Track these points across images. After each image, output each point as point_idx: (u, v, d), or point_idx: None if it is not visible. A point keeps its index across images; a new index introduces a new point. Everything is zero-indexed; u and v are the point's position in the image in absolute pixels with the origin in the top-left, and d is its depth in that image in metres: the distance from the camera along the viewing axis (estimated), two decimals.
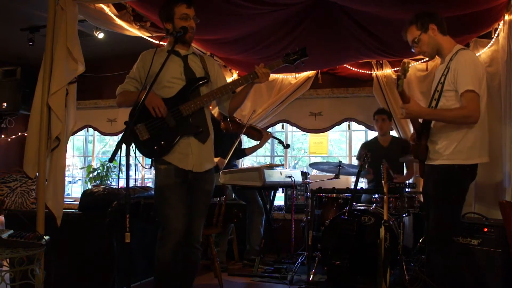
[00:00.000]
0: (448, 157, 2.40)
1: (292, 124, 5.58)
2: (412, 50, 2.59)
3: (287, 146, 4.86)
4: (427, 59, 4.84)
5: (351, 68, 5.22)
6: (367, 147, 4.45)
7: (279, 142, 4.73)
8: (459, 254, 2.49)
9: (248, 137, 4.49)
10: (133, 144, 2.32)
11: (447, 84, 2.42)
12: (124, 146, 2.07)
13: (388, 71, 5.03)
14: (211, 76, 2.58)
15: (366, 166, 3.66)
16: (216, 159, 4.24)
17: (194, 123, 2.46)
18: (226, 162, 4.17)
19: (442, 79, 2.46)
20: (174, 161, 2.42)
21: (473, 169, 2.42)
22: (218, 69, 2.68)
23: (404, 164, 4.56)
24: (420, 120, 2.61)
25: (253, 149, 4.79)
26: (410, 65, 2.40)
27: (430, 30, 2.48)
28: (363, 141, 5.63)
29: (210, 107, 2.89)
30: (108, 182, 6.14)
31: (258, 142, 4.64)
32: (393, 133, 4.90)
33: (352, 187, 3.90)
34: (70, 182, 7.14)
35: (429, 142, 2.53)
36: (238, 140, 4.33)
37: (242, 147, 4.83)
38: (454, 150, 2.38)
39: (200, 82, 2.51)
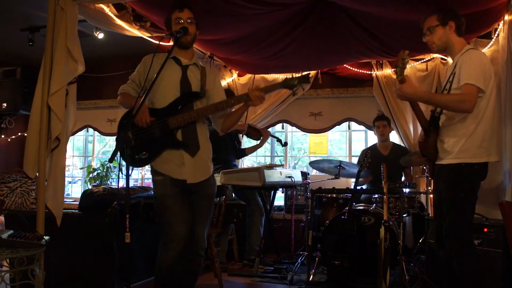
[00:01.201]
0: (455, 155, 2.38)
1: (292, 124, 5.58)
2: (423, 38, 2.56)
3: (285, 144, 4.85)
4: (427, 59, 4.85)
5: (351, 68, 5.22)
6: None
7: (277, 141, 4.74)
8: (478, 256, 2.41)
9: (247, 137, 4.50)
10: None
11: (454, 82, 2.41)
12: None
13: (388, 71, 5.03)
14: (209, 91, 2.53)
15: (366, 166, 3.66)
16: (240, 123, 4.23)
17: (183, 138, 2.42)
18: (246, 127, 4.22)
19: (451, 78, 2.46)
20: (168, 172, 2.41)
21: (482, 167, 2.39)
22: (219, 85, 2.62)
23: (403, 171, 4.57)
24: (427, 115, 2.59)
25: (254, 149, 4.79)
26: (408, 53, 2.36)
27: (448, 26, 2.47)
28: (363, 141, 5.64)
29: None
30: (108, 182, 6.14)
31: (258, 142, 4.64)
32: (394, 134, 4.90)
33: (352, 187, 3.90)
34: (70, 182, 7.14)
35: (438, 141, 2.50)
36: (236, 140, 4.34)
37: (242, 147, 4.83)
38: (461, 148, 2.36)
39: (193, 97, 2.47)
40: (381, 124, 4.53)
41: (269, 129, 5.67)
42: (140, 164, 2.46)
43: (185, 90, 2.46)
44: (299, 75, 2.43)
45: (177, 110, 2.41)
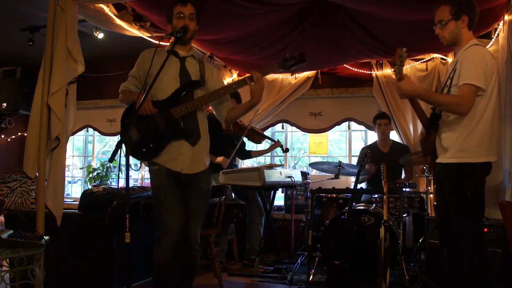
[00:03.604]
0: (453, 154, 2.34)
1: (292, 124, 5.58)
2: (434, 27, 2.49)
3: (286, 150, 4.84)
4: (427, 58, 4.85)
5: (351, 68, 5.22)
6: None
7: (279, 146, 4.72)
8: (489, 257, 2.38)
9: (248, 139, 4.49)
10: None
11: (455, 79, 2.36)
12: (123, 146, 2.09)
13: (388, 71, 5.03)
14: (208, 81, 2.55)
15: (366, 165, 3.66)
16: (220, 159, 4.24)
17: (185, 127, 2.44)
18: (229, 162, 4.17)
19: (452, 74, 2.42)
20: (163, 163, 2.43)
21: (484, 164, 2.35)
22: (217, 75, 2.64)
23: (403, 169, 4.57)
24: (428, 113, 2.57)
25: (260, 153, 4.80)
26: (405, 50, 2.31)
27: (460, 21, 2.39)
28: (362, 141, 5.64)
29: (210, 108, 2.88)
30: (108, 182, 6.14)
31: (268, 147, 4.65)
32: (393, 133, 4.90)
33: (352, 187, 3.90)
34: (70, 182, 7.14)
35: (437, 138, 2.47)
36: (240, 142, 4.33)
37: (248, 149, 4.81)
38: (460, 147, 2.32)
39: (193, 86, 2.49)
40: (382, 122, 4.51)
41: (269, 129, 5.70)
42: (148, 156, 2.47)
43: (185, 80, 2.48)
44: (296, 55, 2.45)
45: (179, 100, 2.43)
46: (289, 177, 4.22)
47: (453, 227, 2.38)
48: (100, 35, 4.61)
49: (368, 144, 5.08)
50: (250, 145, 5.12)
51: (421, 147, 2.68)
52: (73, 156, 7.12)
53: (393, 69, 2.33)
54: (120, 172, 4.30)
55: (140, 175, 6.52)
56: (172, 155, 2.43)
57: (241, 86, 2.50)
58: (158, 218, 2.41)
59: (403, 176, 4.59)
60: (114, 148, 2.10)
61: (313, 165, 4.40)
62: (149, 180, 2.53)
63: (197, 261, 2.56)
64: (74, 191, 7.14)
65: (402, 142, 4.86)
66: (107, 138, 7.30)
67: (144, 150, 2.44)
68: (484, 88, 2.28)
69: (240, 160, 5.18)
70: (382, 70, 5.06)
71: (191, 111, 2.43)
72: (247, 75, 2.49)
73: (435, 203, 2.73)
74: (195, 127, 2.49)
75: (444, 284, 2.71)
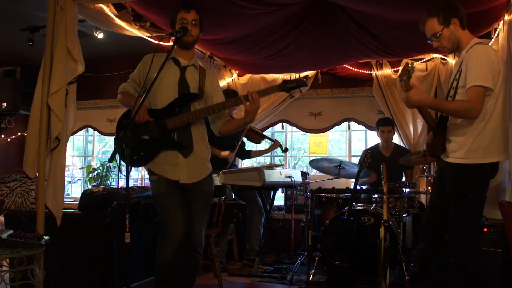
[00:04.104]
0: (463, 155, 2.31)
1: (292, 124, 5.58)
2: (429, 42, 2.47)
3: (285, 150, 4.83)
4: (427, 58, 4.85)
5: (351, 68, 5.22)
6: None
7: (278, 146, 4.72)
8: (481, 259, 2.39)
9: (248, 139, 4.49)
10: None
11: (461, 80, 2.33)
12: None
13: (388, 71, 5.03)
14: (207, 93, 2.54)
15: (366, 166, 3.66)
16: (225, 153, 4.24)
17: (178, 139, 2.43)
18: (234, 155, 4.16)
19: (457, 75, 2.39)
20: (161, 172, 2.43)
21: (492, 166, 2.33)
22: (217, 86, 2.62)
23: (403, 172, 4.56)
24: (432, 114, 2.55)
25: (259, 153, 4.80)
26: (413, 65, 2.28)
27: (452, 25, 2.36)
28: (363, 141, 5.63)
29: None
30: (108, 182, 6.14)
31: (268, 146, 4.65)
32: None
33: (352, 187, 3.90)
34: (70, 182, 7.14)
35: (446, 142, 2.44)
36: (240, 142, 4.33)
37: (248, 149, 4.81)
38: (470, 148, 2.29)
39: (191, 99, 2.48)
40: (386, 129, 4.47)
41: (269, 129, 5.70)
42: (138, 164, 2.49)
43: (183, 91, 2.46)
44: (296, 78, 2.42)
45: (174, 111, 2.42)
46: (289, 177, 4.22)
47: (442, 223, 2.39)
48: (100, 35, 4.61)
49: (369, 145, 5.07)
50: (249, 145, 5.12)
51: (428, 150, 2.64)
52: (73, 156, 7.12)
53: (400, 83, 2.30)
54: (120, 172, 4.30)
55: (140, 175, 6.53)
56: (169, 165, 2.43)
57: (238, 104, 2.47)
58: (162, 223, 2.42)
59: (403, 180, 4.58)
60: (114, 148, 2.10)
61: (313, 162, 4.39)
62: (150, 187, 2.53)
63: (199, 264, 2.56)
64: (74, 191, 7.14)
65: (402, 143, 4.85)
66: (107, 138, 7.30)
67: (134, 157, 2.43)
68: (493, 87, 2.25)
69: (240, 160, 5.18)
70: (382, 70, 5.06)
71: (185, 124, 2.42)
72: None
73: (430, 196, 2.72)
74: (188, 139, 2.47)
75: (418, 278, 2.68)
